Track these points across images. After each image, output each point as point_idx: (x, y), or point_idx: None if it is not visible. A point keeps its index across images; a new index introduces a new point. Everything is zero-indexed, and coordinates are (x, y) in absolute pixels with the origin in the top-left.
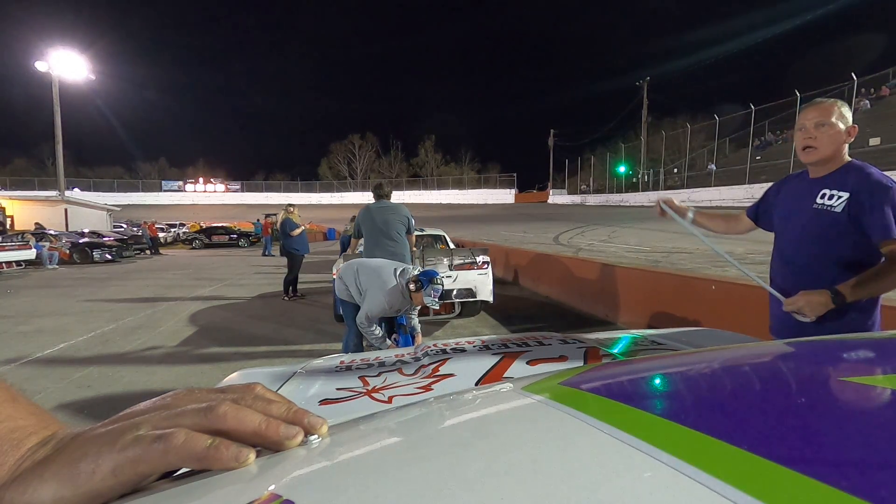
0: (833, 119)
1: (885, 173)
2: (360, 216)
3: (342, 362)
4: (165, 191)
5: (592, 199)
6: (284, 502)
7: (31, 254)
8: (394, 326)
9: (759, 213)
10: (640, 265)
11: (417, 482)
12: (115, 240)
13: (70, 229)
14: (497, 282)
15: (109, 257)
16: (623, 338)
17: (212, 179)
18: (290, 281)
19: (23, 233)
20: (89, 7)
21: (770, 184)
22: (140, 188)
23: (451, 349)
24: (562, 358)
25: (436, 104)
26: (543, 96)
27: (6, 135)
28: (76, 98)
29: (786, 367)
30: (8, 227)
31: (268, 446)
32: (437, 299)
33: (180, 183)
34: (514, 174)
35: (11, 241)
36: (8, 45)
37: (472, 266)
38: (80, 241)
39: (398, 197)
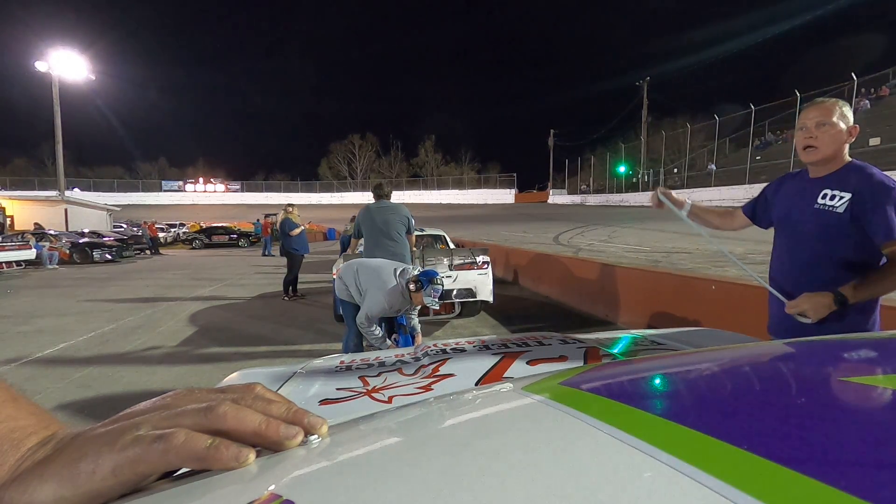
0: (834, 119)
1: (886, 173)
2: (360, 216)
3: (342, 362)
4: (165, 191)
5: (592, 199)
6: (284, 502)
7: (31, 254)
8: (394, 326)
9: (756, 211)
10: (640, 265)
11: (417, 482)
12: (115, 240)
13: (70, 229)
14: (497, 282)
15: (109, 257)
16: (623, 338)
17: (212, 179)
18: (290, 281)
19: (23, 233)
20: (89, 7)
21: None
22: (140, 188)
23: (451, 349)
24: (562, 358)
25: (436, 104)
26: (543, 96)
27: (6, 135)
28: (76, 98)
29: (786, 368)
30: (7, 227)
31: (268, 446)
32: (437, 299)
33: (180, 183)
34: (514, 174)
35: (11, 241)
36: (8, 45)
37: (472, 266)
38: (80, 241)
39: (398, 197)
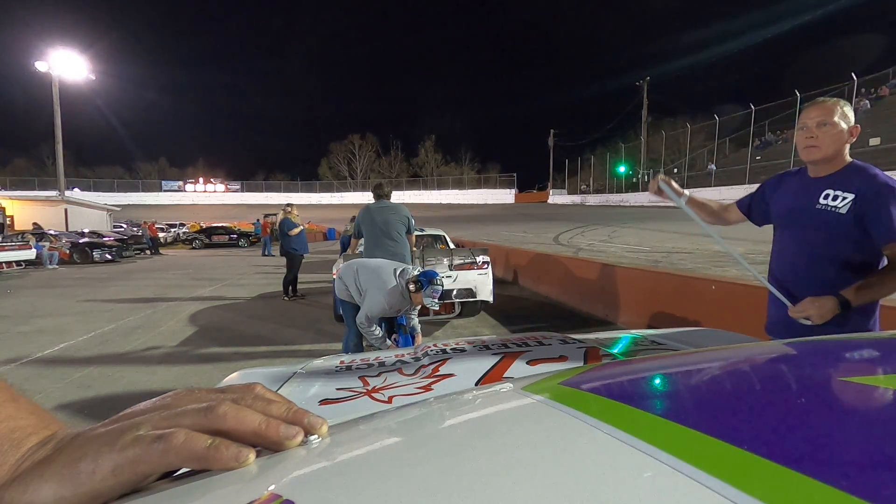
0: (835, 118)
1: (887, 174)
2: (361, 216)
3: (342, 362)
4: (165, 191)
5: (592, 199)
6: (284, 502)
7: (31, 254)
8: (394, 326)
9: (752, 207)
10: (640, 265)
11: (417, 482)
12: (115, 240)
13: (70, 229)
14: (497, 282)
15: (109, 257)
16: (623, 338)
17: (212, 179)
18: (290, 281)
19: (23, 233)
20: (89, 7)
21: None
22: (140, 188)
23: (451, 349)
24: (562, 358)
25: (436, 104)
26: (543, 96)
27: (6, 135)
28: (76, 98)
29: (786, 368)
30: (7, 227)
31: (268, 446)
32: (436, 300)
33: (180, 183)
34: (514, 174)
35: (11, 241)
36: (8, 45)
37: (472, 266)
38: (80, 241)
39: (398, 197)
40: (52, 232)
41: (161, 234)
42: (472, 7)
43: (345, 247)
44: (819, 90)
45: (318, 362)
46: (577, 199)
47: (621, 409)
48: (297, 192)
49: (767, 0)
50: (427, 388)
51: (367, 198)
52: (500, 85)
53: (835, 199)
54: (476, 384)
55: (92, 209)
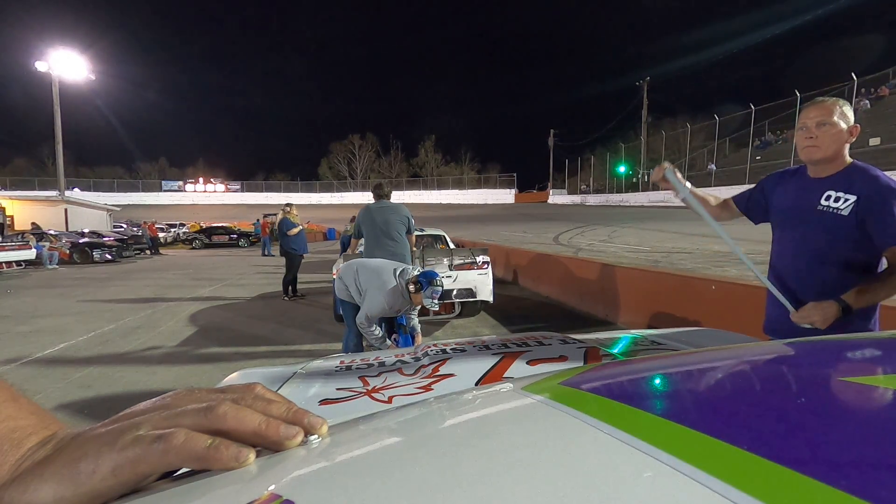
0: (835, 118)
1: (887, 174)
2: (361, 216)
3: (342, 362)
4: (165, 191)
5: (592, 199)
6: (284, 502)
7: (31, 254)
8: (394, 326)
9: (750, 204)
10: (640, 265)
11: (417, 482)
12: (115, 240)
13: (70, 229)
14: (497, 282)
15: (109, 257)
16: (623, 338)
17: (212, 179)
18: (289, 281)
19: (23, 233)
20: (89, 7)
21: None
22: (140, 188)
23: (451, 349)
24: (562, 358)
25: (436, 104)
26: (543, 96)
27: (6, 135)
28: (76, 98)
29: (786, 368)
30: (7, 227)
31: (268, 446)
32: (436, 300)
33: (180, 183)
34: (514, 174)
35: (11, 241)
36: (8, 45)
37: (472, 266)
38: (80, 241)
39: (398, 197)
40: (52, 232)
41: (161, 234)
42: (472, 7)
43: (345, 247)
44: (819, 90)
45: (318, 362)
46: (577, 199)
47: (621, 409)
48: (297, 192)
49: (767, 0)
50: (427, 388)
51: (367, 198)
52: (500, 85)
53: (836, 200)
54: (476, 384)
55: (92, 209)
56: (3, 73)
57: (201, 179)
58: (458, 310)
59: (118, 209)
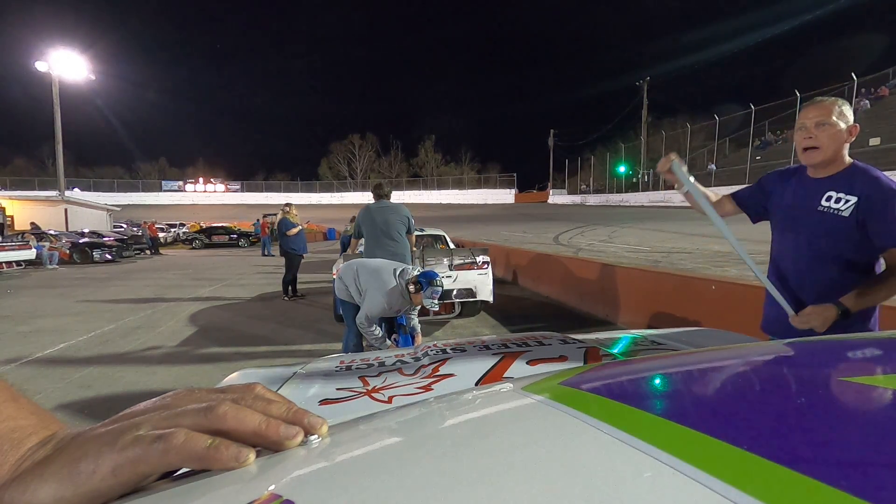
0: (833, 118)
1: (887, 174)
2: (361, 216)
3: (342, 362)
4: (165, 191)
5: (592, 199)
6: (284, 502)
7: (31, 254)
8: (394, 326)
9: (749, 202)
10: (640, 265)
11: (417, 482)
12: (115, 240)
13: (70, 229)
14: (497, 282)
15: (109, 257)
16: (623, 338)
17: (212, 179)
18: (289, 281)
19: (23, 233)
20: (89, 7)
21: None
22: (140, 188)
23: (451, 349)
24: (562, 358)
25: (436, 104)
26: (543, 96)
27: (6, 135)
28: (76, 98)
29: (786, 368)
30: (7, 227)
31: (268, 446)
32: (436, 301)
33: (180, 183)
34: (514, 174)
35: (11, 241)
36: (8, 45)
37: (472, 266)
38: (80, 241)
39: (398, 197)
40: (52, 232)
41: (161, 234)
42: (472, 7)
43: (345, 247)
44: (819, 90)
45: (318, 362)
46: (577, 199)
47: (621, 409)
48: (297, 192)
49: (767, 0)
50: (427, 388)
51: (367, 198)
52: (500, 85)
53: (837, 201)
54: (476, 384)
55: (92, 209)
56: (3, 73)
57: (201, 179)
58: (458, 310)
59: (118, 209)
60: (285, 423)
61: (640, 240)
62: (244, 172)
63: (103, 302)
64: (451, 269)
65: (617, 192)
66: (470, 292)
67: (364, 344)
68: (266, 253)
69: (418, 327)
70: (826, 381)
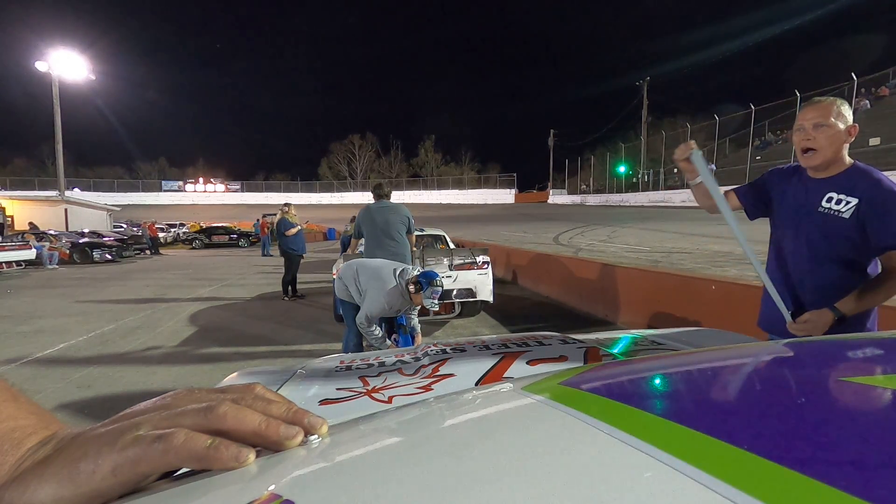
0: (832, 119)
1: (887, 174)
2: (361, 216)
3: (342, 362)
4: (165, 191)
5: (592, 199)
6: (284, 502)
7: (31, 254)
8: (394, 326)
9: (750, 198)
10: (640, 265)
11: (417, 482)
12: (115, 240)
13: (70, 229)
14: (497, 282)
15: (109, 257)
16: (623, 338)
17: (212, 179)
18: (289, 281)
19: (23, 233)
20: (89, 7)
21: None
22: (140, 188)
23: (451, 349)
24: (562, 358)
25: (436, 104)
26: (543, 96)
27: (6, 135)
28: (76, 98)
29: (786, 368)
30: (7, 227)
31: (268, 446)
32: (436, 301)
33: (180, 183)
34: (514, 174)
35: (11, 241)
36: (8, 45)
37: (472, 266)
38: (80, 241)
39: (398, 197)
40: (52, 232)
41: (161, 234)
42: (471, 7)
43: (345, 247)
44: (819, 90)
45: (318, 362)
46: (577, 199)
47: (621, 409)
48: (297, 192)
49: (768, 0)
50: (427, 388)
51: (367, 198)
52: (500, 85)
53: (838, 202)
54: (476, 384)
55: (92, 209)
56: (3, 73)
57: (201, 179)
58: (458, 310)
59: (118, 209)
60: (285, 423)
61: (640, 240)
62: (244, 172)
63: (103, 302)
64: (451, 269)
65: (617, 192)
66: (470, 292)
67: (364, 344)
68: (266, 253)
69: (418, 327)
70: (826, 381)
